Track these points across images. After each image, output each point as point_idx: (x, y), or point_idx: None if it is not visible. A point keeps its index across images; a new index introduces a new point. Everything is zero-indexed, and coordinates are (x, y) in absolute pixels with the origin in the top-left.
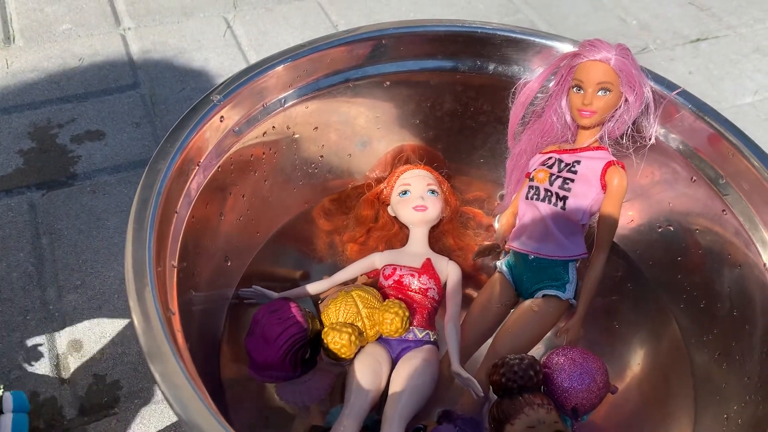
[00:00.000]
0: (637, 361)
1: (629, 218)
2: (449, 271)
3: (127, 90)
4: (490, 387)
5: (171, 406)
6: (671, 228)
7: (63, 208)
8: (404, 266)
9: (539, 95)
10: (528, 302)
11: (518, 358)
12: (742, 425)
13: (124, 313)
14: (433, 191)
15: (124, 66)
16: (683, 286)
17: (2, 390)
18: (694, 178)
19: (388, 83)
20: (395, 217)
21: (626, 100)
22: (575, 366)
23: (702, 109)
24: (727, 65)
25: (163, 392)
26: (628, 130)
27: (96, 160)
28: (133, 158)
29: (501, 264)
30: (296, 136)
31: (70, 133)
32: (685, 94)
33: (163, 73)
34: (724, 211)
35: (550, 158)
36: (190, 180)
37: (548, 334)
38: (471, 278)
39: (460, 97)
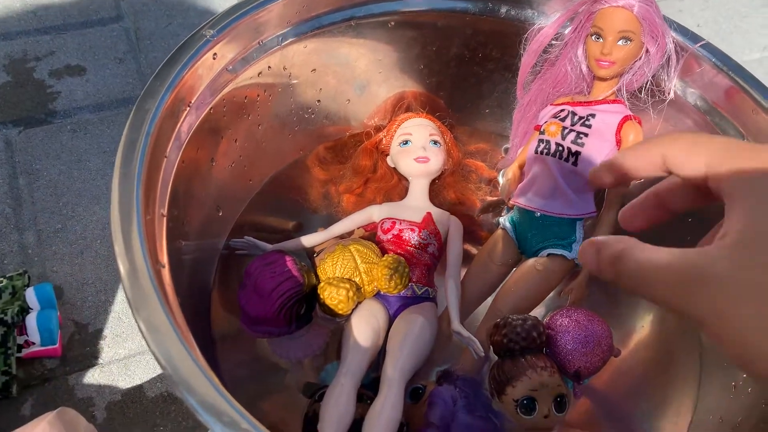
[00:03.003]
0: (641, 325)
1: None
2: (450, 226)
3: (110, 23)
4: (491, 347)
5: (157, 360)
6: None
7: (42, 147)
8: (404, 220)
9: (554, 42)
10: (532, 261)
11: (521, 318)
12: (751, 395)
13: (108, 259)
14: (435, 142)
15: None
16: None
17: (26, 283)
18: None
19: (392, 23)
20: (394, 168)
21: (647, 50)
22: (580, 328)
23: (726, 63)
24: (736, 19)
25: (149, 345)
26: (646, 84)
27: (77, 97)
28: (117, 96)
29: (504, 220)
30: (293, 78)
31: (48, 67)
32: (709, 47)
33: (148, 6)
34: None
35: (562, 110)
36: (180, 121)
37: (551, 294)
38: (472, 234)
39: (468, 41)
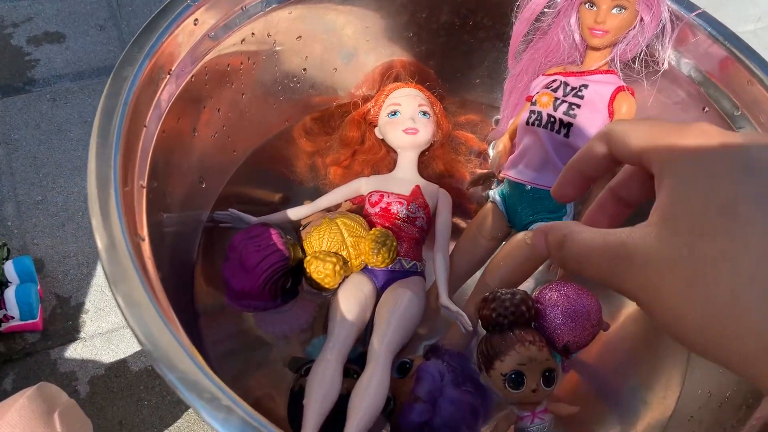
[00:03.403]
0: (629, 310)
1: None
2: (439, 200)
3: None
4: (479, 321)
5: (136, 336)
6: None
7: (20, 116)
8: (392, 193)
9: (546, 10)
10: (521, 234)
11: (510, 292)
12: None
13: (90, 232)
14: (424, 113)
15: None
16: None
17: (4, 256)
18: (706, 108)
19: None
20: (383, 140)
21: (641, 19)
22: (569, 302)
23: (721, 32)
24: None
25: (127, 321)
26: (640, 54)
27: (56, 65)
28: (97, 64)
29: (494, 193)
30: (277, 45)
31: (26, 33)
32: (705, 16)
33: None
34: None
35: (554, 81)
36: (160, 90)
37: (540, 268)
38: (461, 207)
39: (458, 8)
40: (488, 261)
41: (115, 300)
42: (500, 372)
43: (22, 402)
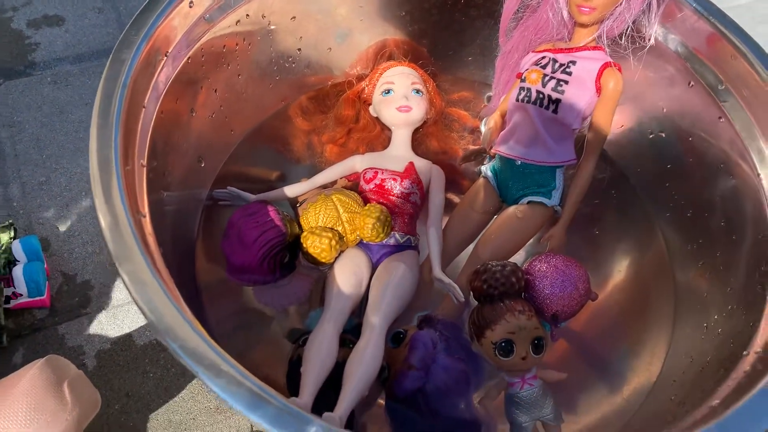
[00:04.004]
0: (618, 269)
1: (619, 123)
2: (432, 176)
3: None
4: (471, 293)
5: (142, 310)
6: (663, 134)
7: (22, 99)
8: (386, 170)
9: None
10: (512, 208)
11: (500, 264)
12: (721, 335)
13: (94, 211)
14: (417, 90)
15: None
16: (671, 195)
17: (12, 236)
18: (692, 82)
19: None
20: (377, 118)
21: None
22: (557, 273)
23: (707, 8)
24: None
25: (132, 296)
26: (627, 30)
27: (56, 48)
28: (97, 47)
29: (486, 169)
30: (272, 26)
31: (26, 17)
32: None
33: None
34: (720, 118)
35: (543, 57)
36: (157, 72)
37: (531, 240)
38: (454, 183)
39: None
40: (480, 234)
41: (120, 275)
42: (491, 340)
43: (33, 372)
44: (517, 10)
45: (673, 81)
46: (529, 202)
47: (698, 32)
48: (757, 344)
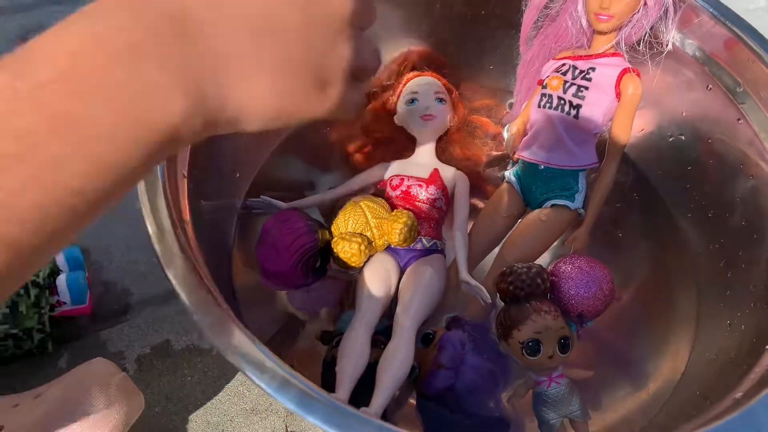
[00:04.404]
0: (641, 270)
1: (639, 127)
2: (456, 181)
3: None
4: (497, 294)
5: (188, 310)
6: (683, 137)
7: None
8: (411, 177)
9: None
10: (536, 212)
11: (526, 266)
12: (744, 332)
13: (131, 222)
14: (441, 99)
15: None
16: (692, 196)
17: None
18: (710, 86)
19: None
20: (402, 127)
21: (645, 3)
22: (582, 274)
23: (723, 13)
24: None
25: (180, 297)
26: (645, 36)
27: None
28: None
29: (509, 174)
30: None
31: None
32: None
33: None
34: (739, 119)
35: (563, 65)
36: None
37: (555, 243)
38: (478, 188)
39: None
40: (505, 238)
41: (167, 278)
42: (518, 340)
43: (81, 374)
44: (537, 20)
45: (692, 85)
46: (552, 206)
47: (715, 37)
48: None
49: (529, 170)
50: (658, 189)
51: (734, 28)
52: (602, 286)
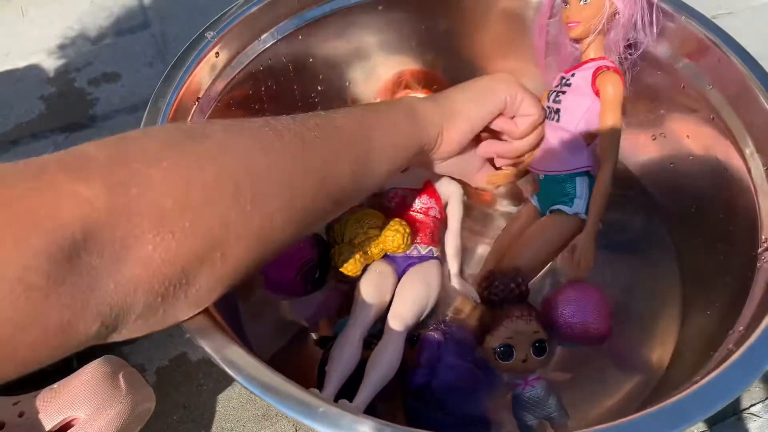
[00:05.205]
0: (624, 268)
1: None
2: (450, 190)
3: (138, 30)
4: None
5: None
6: (664, 135)
7: None
8: (406, 188)
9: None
10: (539, 220)
11: (501, 272)
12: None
13: None
14: None
15: (133, 6)
16: (675, 191)
17: None
18: (684, 85)
19: (380, 7)
20: None
21: (616, 8)
22: (570, 304)
23: (692, 14)
24: None
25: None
26: (629, 40)
27: (114, 101)
28: (149, 97)
29: (533, 198)
30: (293, 67)
31: (87, 76)
32: (677, 2)
33: (171, 11)
34: (713, 117)
35: (556, 78)
36: (190, 116)
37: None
38: (473, 195)
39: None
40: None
41: None
42: (490, 345)
43: (92, 365)
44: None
45: (671, 85)
46: (551, 212)
47: (686, 39)
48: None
49: (537, 181)
50: (646, 186)
51: (702, 29)
52: (600, 310)
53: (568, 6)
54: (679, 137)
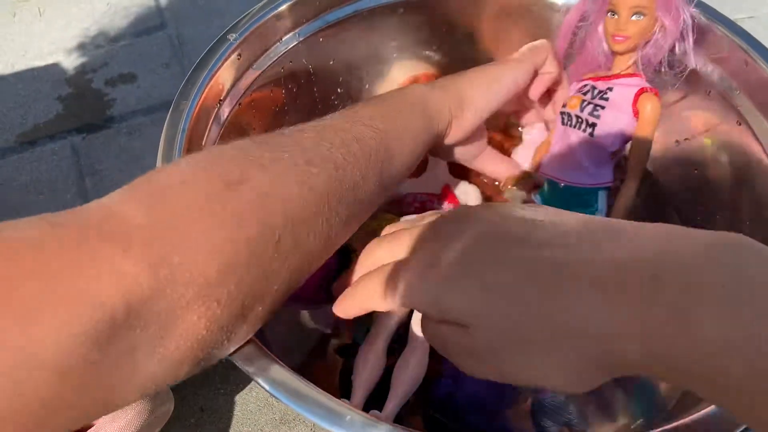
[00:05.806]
0: None
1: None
2: (468, 194)
3: (155, 32)
4: None
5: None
6: (689, 141)
7: (102, 150)
8: (424, 193)
9: (582, 24)
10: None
11: None
12: None
13: None
14: None
15: (150, 8)
16: (698, 198)
17: None
18: (709, 91)
19: (401, 10)
20: None
21: (663, 25)
22: None
23: (716, 17)
24: None
25: None
26: (665, 56)
27: (130, 102)
28: (165, 98)
29: (536, 197)
30: (313, 70)
31: (104, 77)
32: (702, 5)
33: (188, 13)
34: (738, 122)
35: (585, 85)
36: (212, 117)
37: None
38: (492, 200)
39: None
40: None
41: None
42: None
43: None
44: (571, 47)
45: (696, 91)
46: None
47: (716, 44)
48: None
49: (551, 188)
50: (666, 193)
51: (729, 34)
52: None
53: (617, 17)
54: (703, 143)
